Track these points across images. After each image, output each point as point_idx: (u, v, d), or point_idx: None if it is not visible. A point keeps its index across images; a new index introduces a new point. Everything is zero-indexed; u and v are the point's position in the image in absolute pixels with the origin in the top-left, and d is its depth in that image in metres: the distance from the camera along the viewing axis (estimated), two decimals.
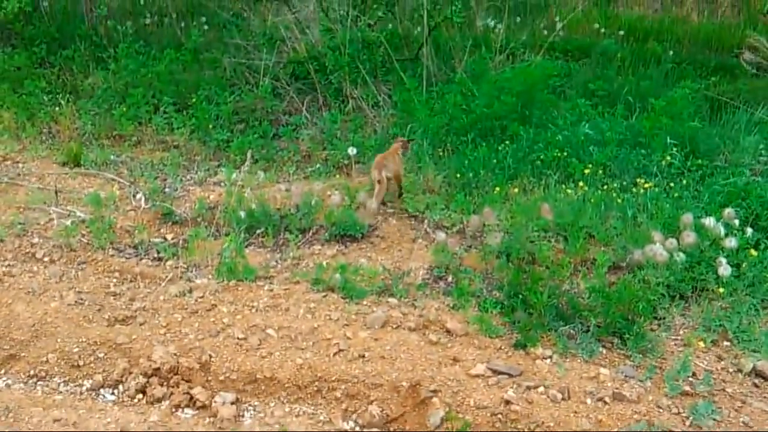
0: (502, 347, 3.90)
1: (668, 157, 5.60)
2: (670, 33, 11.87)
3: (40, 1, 9.29)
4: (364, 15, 7.70)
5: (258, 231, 5.28)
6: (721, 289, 4.15)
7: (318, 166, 6.54)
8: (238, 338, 3.87)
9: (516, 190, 5.63)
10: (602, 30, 11.62)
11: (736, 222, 4.34)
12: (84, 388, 3.68)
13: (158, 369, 3.66)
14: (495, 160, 6.00)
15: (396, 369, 3.62)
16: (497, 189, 5.61)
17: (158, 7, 10.72)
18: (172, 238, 5.24)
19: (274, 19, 7.70)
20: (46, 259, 4.86)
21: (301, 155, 6.76)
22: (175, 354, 3.74)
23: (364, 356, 3.71)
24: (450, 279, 4.72)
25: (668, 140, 5.72)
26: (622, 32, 11.48)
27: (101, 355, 3.82)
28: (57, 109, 7.16)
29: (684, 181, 5.35)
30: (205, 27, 9.68)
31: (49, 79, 7.93)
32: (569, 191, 5.41)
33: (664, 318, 4.16)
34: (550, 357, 3.78)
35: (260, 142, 6.74)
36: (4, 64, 7.93)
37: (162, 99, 7.17)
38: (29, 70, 7.98)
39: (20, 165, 6.44)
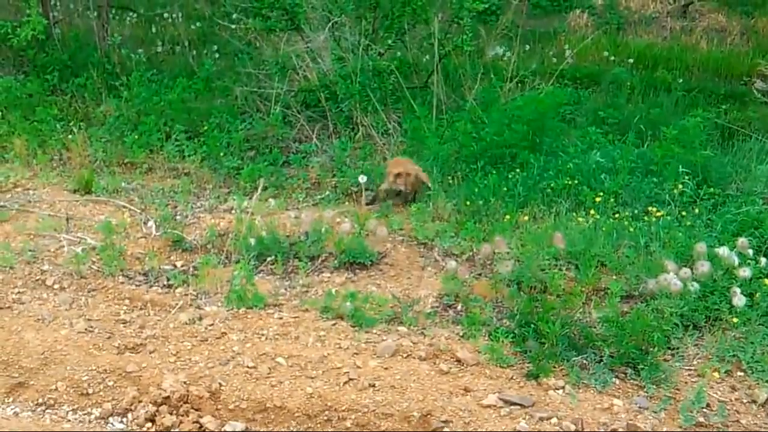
0: (514, 377, 3.85)
1: (680, 186, 5.57)
2: (679, 61, 11.91)
3: (53, 29, 9.40)
4: (375, 44, 7.76)
5: (268, 258, 5.27)
6: (735, 319, 4.11)
7: (328, 193, 6.55)
8: (247, 367, 3.84)
9: (526, 218, 5.61)
10: (612, 58, 11.67)
11: (750, 251, 4.30)
12: (93, 416, 3.65)
13: (168, 397, 3.63)
14: (505, 188, 6.00)
15: (406, 399, 3.58)
16: (507, 217, 5.59)
17: (170, 36, 10.85)
18: (182, 266, 5.24)
19: (286, 49, 7.76)
20: (56, 286, 4.86)
21: (310, 182, 6.77)
22: (184, 382, 3.72)
23: (374, 385, 3.67)
24: (460, 307, 4.69)
25: (680, 168, 5.70)
26: (631, 60, 11.52)
27: (110, 383, 3.80)
28: (69, 136, 7.20)
29: (696, 210, 5.32)
30: (217, 55, 9.79)
31: (61, 107, 8.00)
32: (580, 219, 5.39)
33: (678, 348, 4.11)
34: (563, 387, 3.74)
35: (270, 169, 6.76)
36: (17, 91, 8.00)
37: (174, 127, 7.22)
38: (41, 98, 8.04)
39: (31, 192, 6.47)
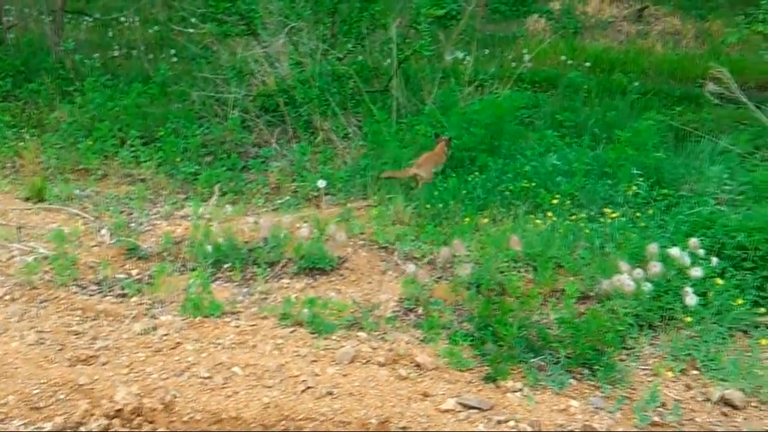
0: (473, 381, 3.85)
1: (634, 187, 5.66)
2: (635, 64, 12.15)
3: (7, 34, 9.19)
4: (333, 48, 7.73)
5: (225, 265, 5.20)
6: (689, 318, 4.17)
7: (287, 198, 6.51)
8: (202, 377, 3.78)
9: (485, 220, 5.64)
10: (569, 62, 11.83)
11: (701, 251, 4.37)
12: (44, 430, 3.55)
13: (120, 410, 3.55)
14: (465, 191, 6.03)
15: (365, 406, 3.55)
16: (467, 220, 5.61)
17: (127, 40, 10.70)
18: (137, 274, 5.14)
19: (244, 53, 7.69)
20: (6, 297, 4.73)
21: (270, 187, 6.72)
22: (138, 394, 3.63)
23: (332, 393, 3.64)
24: (420, 311, 4.68)
25: (634, 170, 5.79)
26: (588, 64, 11.71)
27: (62, 396, 3.70)
28: (21, 143, 7.04)
29: (650, 211, 5.40)
30: (174, 60, 9.66)
31: (14, 113, 7.83)
32: (538, 221, 5.43)
33: (633, 348, 4.16)
34: (521, 390, 3.75)
35: (229, 174, 6.69)
36: None
37: (129, 132, 7.10)
38: None
39: None
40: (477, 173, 6.30)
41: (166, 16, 10.73)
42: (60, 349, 4.10)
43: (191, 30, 9.22)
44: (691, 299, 4.06)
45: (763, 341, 4.07)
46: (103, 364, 3.95)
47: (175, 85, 8.08)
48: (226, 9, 6.98)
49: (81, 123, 7.35)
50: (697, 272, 4.17)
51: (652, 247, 4.26)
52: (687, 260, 4.23)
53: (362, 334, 4.31)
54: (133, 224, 5.82)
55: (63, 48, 8.84)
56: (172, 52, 9.90)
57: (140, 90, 7.66)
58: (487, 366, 3.95)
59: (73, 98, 7.72)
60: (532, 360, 3.97)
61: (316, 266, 5.18)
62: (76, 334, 4.31)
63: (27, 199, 6.32)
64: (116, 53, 10.15)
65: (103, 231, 5.63)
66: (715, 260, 4.37)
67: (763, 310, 4.35)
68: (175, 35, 9.36)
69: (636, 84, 10.33)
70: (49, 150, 7.07)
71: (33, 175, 6.63)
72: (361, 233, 5.73)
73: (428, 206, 5.90)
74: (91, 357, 4.04)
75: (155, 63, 9.30)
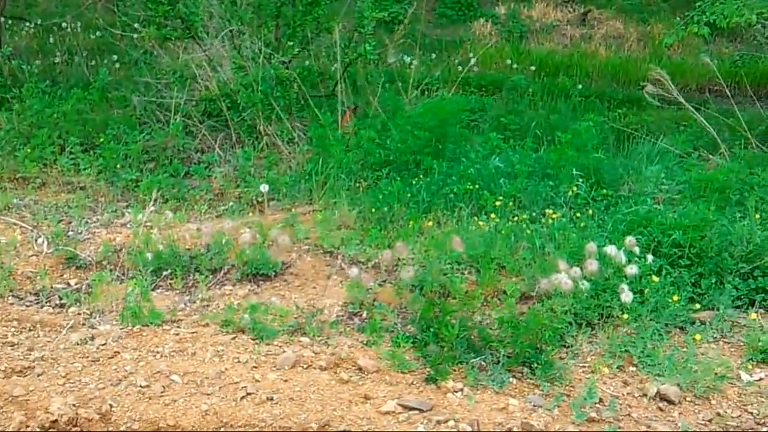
0: (414, 382, 3.87)
1: (574, 188, 5.76)
2: (579, 67, 12.42)
3: None
4: (278, 53, 7.69)
5: (166, 273, 5.12)
6: (626, 316, 4.26)
7: (231, 204, 6.44)
8: (140, 386, 3.70)
9: (430, 223, 5.67)
10: (515, 65, 12.02)
11: (637, 249, 4.47)
12: None
13: (56, 421, 3.46)
14: (409, 194, 6.04)
15: (305, 410, 3.53)
16: (411, 223, 5.63)
17: (69, 46, 10.46)
18: (76, 284, 5.03)
19: (185, 57, 7.59)
20: None
21: (213, 193, 6.64)
22: (73, 405, 3.55)
23: (272, 399, 3.61)
24: (364, 315, 4.68)
25: (574, 171, 5.90)
26: (533, 67, 11.91)
27: None
28: None
29: (590, 211, 5.50)
30: (117, 65, 9.49)
31: None
32: (481, 223, 5.48)
33: (572, 346, 4.23)
34: (461, 390, 3.77)
35: (171, 180, 6.59)
36: None
37: (68, 139, 6.93)
38: None
39: None
40: (422, 176, 6.33)
41: (105, 22, 10.51)
42: None
43: (134, 35, 9.08)
44: (627, 296, 4.15)
45: (698, 337, 4.18)
46: (39, 375, 3.85)
47: (116, 90, 7.93)
48: (165, 12, 6.88)
49: (19, 130, 7.14)
50: (632, 270, 4.27)
51: (590, 246, 4.34)
52: (623, 258, 4.32)
53: (305, 339, 4.29)
54: (71, 233, 5.69)
55: (2, 53, 8.59)
56: (114, 57, 9.71)
57: (80, 96, 7.48)
58: (429, 367, 3.96)
59: (10, 105, 7.50)
60: (472, 360, 4.01)
61: (259, 272, 5.14)
62: (11, 346, 4.19)
63: None
64: (57, 59, 9.91)
65: (41, 240, 5.49)
66: (650, 258, 4.47)
67: (698, 306, 4.48)
68: (116, 40, 9.18)
69: (579, 87, 10.55)
70: None
71: None
72: (306, 238, 5.71)
73: (373, 210, 5.90)
74: (26, 368, 3.94)
75: (97, 69, 9.11)
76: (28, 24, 11.49)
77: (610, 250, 4.29)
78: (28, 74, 8.46)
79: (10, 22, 10.75)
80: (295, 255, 5.47)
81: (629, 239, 4.48)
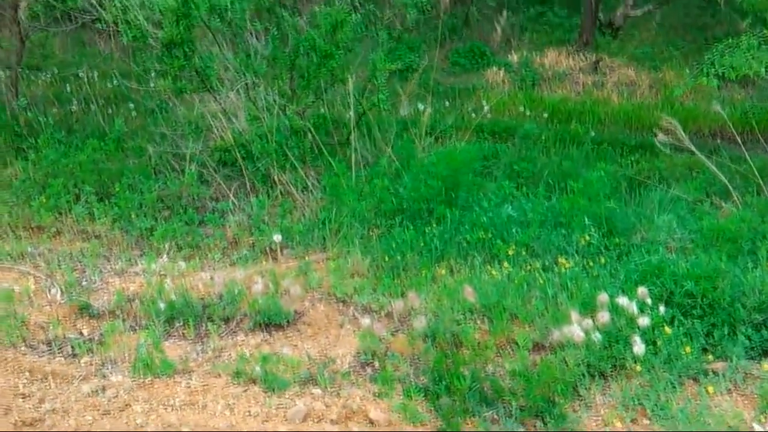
0: None
1: (587, 237, 5.75)
2: (591, 114, 12.46)
3: None
4: (292, 103, 7.81)
5: (178, 323, 5.13)
6: (639, 367, 4.20)
7: (245, 252, 6.46)
8: None
9: (443, 271, 5.66)
10: (527, 112, 12.09)
11: (649, 300, 4.43)
12: None
13: None
14: (422, 243, 6.05)
15: None
16: (424, 271, 5.63)
17: (85, 94, 10.68)
18: (88, 333, 5.04)
19: (201, 108, 7.74)
20: None
21: (227, 242, 6.67)
22: None
23: None
24: (377, 365, 4.65)
25: (586, 220, 5.89)
26: (546, 114, 11.97)
27: None
28: None
29: (602, 260, 5.48)
30: (133, 114, 9.66)
31: None
32: (494, 272, 5.47)
33: (585, 397, 4.17)
34: None
35: (185, 229, 6.64)
36: None
37: (83, 188, 7.04)
38: None
39: None
40: (435, 225, 6.34)
41: (123, 70, 10.76)
42: (5, 413, 3.99)
43: (150, 85, 9.28)
44: (639, 348, 4.11)
45: (711, 388, 4.12)
46: (50, 428, 3.85)
47: (131, 140, 8.07)
48: (181, 66, 7.03)
49: (35, 180, 7.26)
50: (645, 321, 4.23)
51: (602, 297, 4.31)
52: (635, 309, 4.28)
53: (317, 391, 4.26)
54: (85, 282, 5.73)
55: (18, 104, 8.79)
56: (131, 105, 9.90)
57: (96, 146, 7.62)
58: (441, 420, 3.92)
59: (26, 155, 7.65)
60: (485, 413, 3.96)
61: (272, 321, 5.13)
62: (23, 397, 4.20)
63: None
64: (74, 107, 10.12)
65: (54, 290, 5.53)
66: (663, 308, 4.43)
67: (711, 357, 4.41)
68: (132, 90, 9.37)
69: (592, 133, 10.59)
70: (2, 207, 6.96)
71: None
72: (319, 286, 5.71)
73: (386, 258, 5.91)
74: (37, 420, 3.94)
75: (113, 117, 9.28)
76: (44, 74, 11.77)
77: (623, 301, 4.27)
78: (44, 124, 8.62)
79: (27, 71, 11.00)
80: (308, 303, 5.47)
81: (641, 290, 4.45)
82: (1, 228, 6.70)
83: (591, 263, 5.43)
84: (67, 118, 9.61)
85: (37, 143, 7.68)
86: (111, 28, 7.85)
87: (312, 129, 7.69)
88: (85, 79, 11.25)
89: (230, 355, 4.73)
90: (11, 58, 9.59)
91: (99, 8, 7.64)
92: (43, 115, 9.06)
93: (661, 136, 8.01)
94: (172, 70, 7.04)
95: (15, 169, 7.60)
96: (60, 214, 6.90)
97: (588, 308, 4.51)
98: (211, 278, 5.70)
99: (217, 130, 7.76)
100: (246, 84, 7.55)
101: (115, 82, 11.09)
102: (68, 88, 11.00)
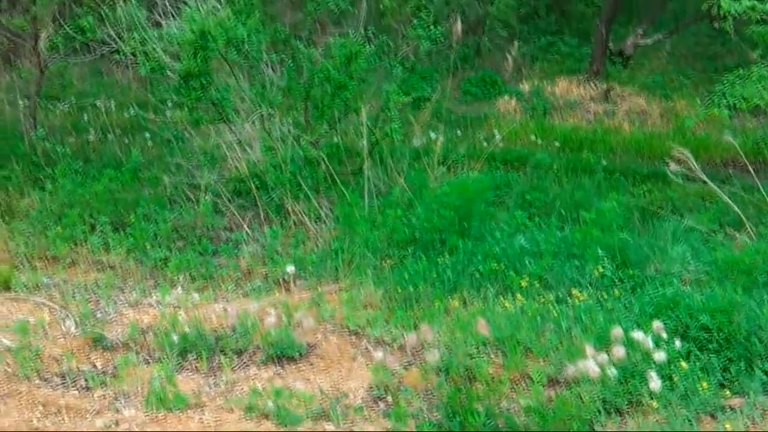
0: None
1: (600, 268, 5.73)
2: (603, 143, 12.45)
3: None
4: (306, 133, 7.88)
5: (192, 355, 5.13)
6: (655, 403, 4.16)
7: (258, 282, 6.48)
8: None
9: (456, 303, 5.64)
10: (539, 141, 12.11)
11: (664, 334, 4.40)
12: None
13: None
14: (435, 273, 6.04)
15: None
16: (437, 303, 5.62)
17: (102, 123, 10.81)
18: (102, 366, 5.05)
19: (216, 139, 7.82)
20: None
21: (241, 272, 6.70)
22: None
23: None
24: (390, 399, 4.63)
25: (599, 251, 5.87)
26: (557, 143, 11.98)
27: None
28: None
29: (616, 292, 5.45)
30: (149, 143, 9.76)
31: None
32: (507, 304, 5.45)
33: None
34: None
35: (199, 259, 6.68)
36: None
37: (99, 218, 7.10)
38: None
39: None
40: (447, 255, 6.34)
41: (140, 100, 10.90)
42: None
43: (167, 115, 9.40)
44: (656, 384, 4.07)
45: (729, 425, 4.06)
46: None
47: (147, 170, 8.15)
48: (198, 98, 7.13)
49: (51, 210, 7.34)
50: (661, 356, 4.20)
51: (617, 331, 4.29)
52: (651, 344, 4.25)
53: (330, 426, 4.24)
54: (99, 313, 5.76)
55: (36, 135, 8.91)
56: (147, 135, 10.02)
57: (112, 176, 7.71)
58: None
59: (43, 185, 7.73)
60: None
61: (284, 354, 5.12)
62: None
63: None
64: (91, 137, 10.24)
65: (68, 322, 5.56)
66: (678, 343, 4.40)
67: (728, 392, 4.36)
68: (149, 120, 9.49)
69: (604, 162, 10.58)
70: (18, 237, 7.03)
71: (0, 264, 6.56)
72: (332, 318, 5.70)
73: (399, 289, 5.90)
74: None
75: (130, 146, 9.38)
76: (62, 103, 11.93)
77: (638, 335, 4.24)
78: (62, 154, 8.71)
79: (45, 101, 11.16)
80: (321, 336, 5.46)
81: (656, 324, 4.42)
82: (17, 258, 6.76)
83: (605, 295, 5.40)
84: (84, 147, 9.72)
85: (54, 173, 7.76)
86: (129, 59, 7.99)
87: (325, 158, 7.73)
88: (103, 109, 11.39)
89: (243, 388, 4.72)
90: (30, 88, 9.74)
91: (118, 40, 7.77)
92: (60, 144, 9.16)
93: (673, 166, 8.00)
94: (189, 102, 7.13)
95: (32, 199, 7.68)
96: (75, 244, 6.96)
97: (603, 342, 4.48)
98: (225, 310, 5.71)
99: (232, 160, 7.84)
100: (261, 115, 7.63)
101: (131, 111, 11.22)
102: (85, 118, 11.13)
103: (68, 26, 8.90)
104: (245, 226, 7.43)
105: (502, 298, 5.60)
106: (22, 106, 10.06)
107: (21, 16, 9.95)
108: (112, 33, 7.97)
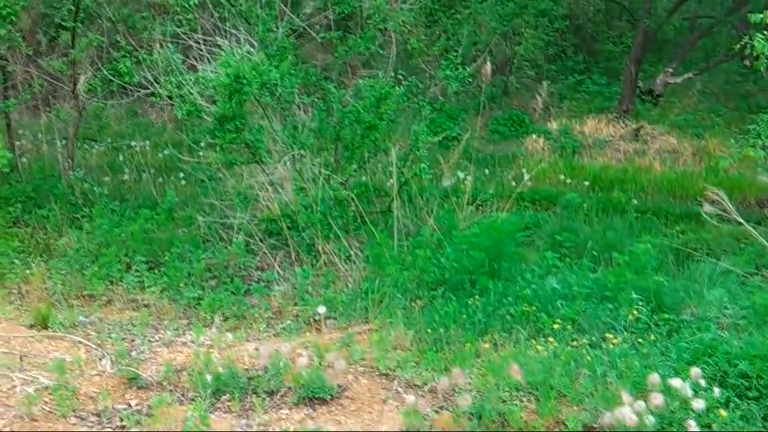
0: None
1: (635, 312, 5.67)
2: (633, 182, 12.41)
3: (18, 160, 9.51)
4: (336, 173, 7.97)
5: (225, 396, 5.14)
6: None
7: (289, 322, 6.51)
8: None
9: (487, 345, 5.61)
10: (568, 180, 12.10)
11: (703, 381, 4.33)
12: None
13: None
14: (465, 315, 6.03)
15: None
16: (468, 345, 5.59)
17: (137, 163, 11.05)
18: (137, 404, 5.08)
19: (249, 180, 7.95)
20: (6, 429, 4.67)
21: (272, 311, 6.74)
22: None
23: None
24: None
25: (634, 294, 5.81)
26: (587, 182, 11.96)
27: None
28: (28, 270, 7.15)
29: (652, 337, 5.39)
30: (183, 183, 9.93)
31: (23, 239, 7.98)
32: (539, 348, 5.41)
33: None
34: None
35: (231, 299, 6.74)
36: None
37: (135, 258, 7.22)
38: (2, 230, 8.02)
39: None
40: (477, 296, 6.33)
41: (174, 140, 11.13)
42: None
43: (200, 154, 9.57)
44: None
45: None
46: None
47: (182, 210, 8.28)
48: (232, 140, 7.27)
49: (88, 249, 7.47)
50: (699, 404, 4.13)
51: (654, 378, 4.23)
52: (689, 391, 4.18)
53: None
54: (134, 352, 5.82)
55: (74, 175, 9.12)
56: (180, 175, 10.21)
57: (148, 216, 7.85)
58: None
59: (81, 224, 7.89)
60: None
61: (315, 395, 5.11)
62: None
63: (31, 327, 6.32)
64: (126, 176, 10.46)
65: (104, 361, 5.62)
66: (717, 390, 4.32)
67: None
68: (182, 160, 9.67)
69: (635, 202, 10.52)
70: (56, 276, 7.16)
71: (38, 302, 6.68)
72: (362, 359, 5.69)
73: (429, 331, 5.89)
74: None
75: (164, 186, 9.56)
76: (98, 144, 12.22)
77: (676, 382, 4.18)
78: (99, 195, 8.89)
79: (81, 142, 11.42)
80: (351, 377, 5.45)
81: (695, 370, 4.35)
82: (54, 296, 6.88)
83: (640, 340, 5.34)
84: (119, 187, 9.91)
85: (92, 213, 7.92)
86: (165, 102, 8.18)
87: (355, 198, 7.81)
88: (137, 149, 11.65)
89: (275, 430, 4.72)
90: (68, 129, 10.00)
91: (155, 83, 7.97)
92: (97, 184, 9.36)
93: (707, 207, 7.92)
94: (223, 143, 7.27)
95: (69, 238, 7.83)
96: (111, 282, 7.07)
97: (639, 389, 4.42)
98: (257, 350, 5.73)
99: (264, 200, 7.94)
100: (293, 156, 7.75)
101: (165, 152, 11.45)
102: (120, 158, 11.37)
103: (106, 70, 9.14)
104: (276, 265, 7.50)
105: (534, 342, 5.56)
106: (60, 146, 10.31)
107: (60, 60, 10.27)
108: (148, 76, 8.19)
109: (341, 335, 6.11)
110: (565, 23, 18.12)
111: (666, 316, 5.72)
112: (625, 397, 4.12)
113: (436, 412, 4.90)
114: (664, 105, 17.04)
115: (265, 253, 7.65)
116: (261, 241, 7.74)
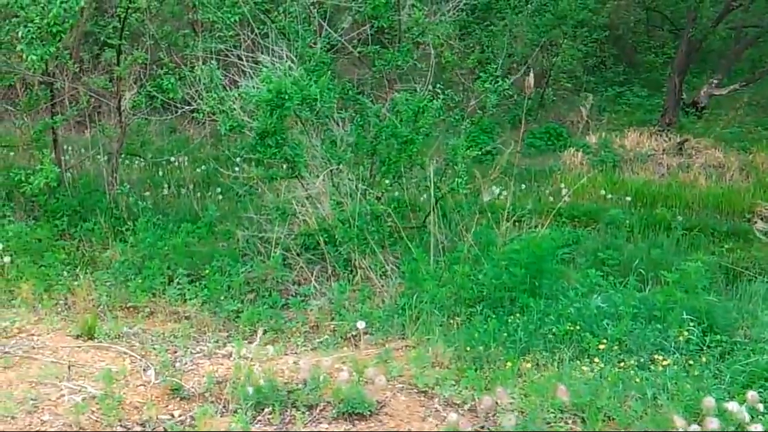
0: None
1: (685, 333, 5.49)
2: (678, 198, 12.10)
3: (64, 174, 9.68)
4: (372, 188, 7.95)
5: (266, 409, 5.12)
6: None
7: (326, 337, 6.50)
8: None
9: (529, 365, 5.49)
10: (609, 196, 11.86)
11: (760, 406, 4.17)
12: None
13: None
14: (506, 333, 5.90)
15: None
16: (509, 364, 5.48)
17: (177, 178, 11.19)
18: (180, 415, 5.08)
19: (287, 195, 7.98)
20: None
21: (309, 326, 6.74)
22: None
23: None
24: None
25: (684, 314, 5.64)
26: (629, 198, 11.70)
27: None
28: (75, 281, 7.27)
29: (703, 359, 5.21)
30: (220, 197, 10.02)
31: (69, 251, 8.11)
32: (585, 368, 5.27)
33: None
34: None
35: (269, 312, 6.76)
36: (27, 236, 8.08)
37: (177, 271, 7.30)
38: (50, 243, 8.14)
39: (35, 337, 6.43)
40: (518, 314, 6.20)
41: (212, 155, 11.25)
42: None
43: (237, 169, 9.65)
44: None
45: None
46: None
47: (221, 224, 8.35)
48: (273, 155, 7.31)
49: (132, 261, 7.58)
50: (757, 429, 3.97)
51: (708, 401, 4.09)
52: (746, 416, 4.03)
53: None
54: (177, 363, 5.84)
55: (118, 191, 9.26)
56: (219, 190, 10.29)
57: (189, 230, 7.93)
58: None
59: (125, 237, 8.00)
60: None
61: (354, 410, 5.07)
62: None
63: (78, 337, 6.41)
64: (166, 191, 10.59)
65: (149, 372, 5.65)
66: None
67: None
68: (221, 174, 9.77)
69: (680, 219, 10.25)
70: (101, 287, 7.27)
71: (84, 313, 6.77)
72: (400, 375, 5.62)
73: (468, 348, 5.79)
74: None
75: (203, 201, 9.65)
76: (140, 160, 12.42)
77: (732, 406, 4.03)
78: (142, 209, 9.01)
79: (124, 157, 11.61)
80: (390, 394, 5.39)
81: (751, 394, 4.20)
82: (99, 308, 6.98)
83: (691, 362, 5.16)
84: (160, 201, 10.03)
85: (135, 227, 8.02)
86: (206, 117, 8.27)
87: (393, 214, 7.77)
88: (177, 164, 11.78)
89: None
90: (112, 145, 10.16)
91: (198, 99, 8.06)
92: (140, 199, 9.49)
93: (759, 225, 7.72)
94: (264, 158, 7.32)
95: (114, 251, 7.94)
96: (154, 295, 7.14)
97: (692, 412, 4.27)
98: (296, 363, 5.72)
99: (301, 215, 7.95)
100: (331, 170, 7.75)
101: (203, 167, 11.58)
102: (161, 173, 11.52)
103: (150, 86, 9.28)
104: (313, 280, 7.49)
105: (578, 362, 5.41)
106: (104, 161, 10.49)
107: (103, 77, 10.47)
108: (191, 92, 8.28)
109: (378, 351, 6.05)
110: (604, 33, 17.89)
111: (718, 337, 5.53)
112: (678, 421, 3.99)
113: None
114: (709, 118, 16.65)
115: (302, 268, 7.65)
116: (298, 255, 7.75)
